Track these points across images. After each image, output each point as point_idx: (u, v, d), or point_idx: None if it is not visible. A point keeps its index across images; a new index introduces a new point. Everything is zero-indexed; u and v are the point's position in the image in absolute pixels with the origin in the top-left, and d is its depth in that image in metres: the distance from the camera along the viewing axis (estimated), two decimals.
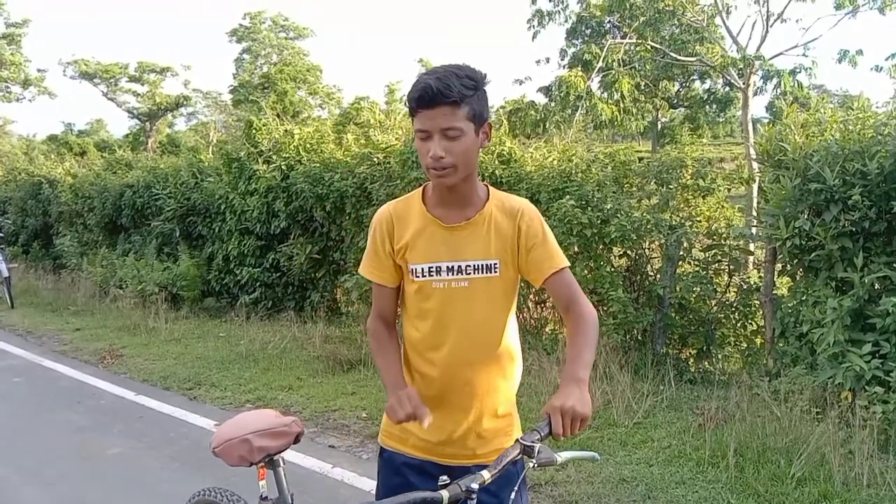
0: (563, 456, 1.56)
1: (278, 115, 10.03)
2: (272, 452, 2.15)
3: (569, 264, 1.86)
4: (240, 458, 2.15)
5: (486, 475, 1.49)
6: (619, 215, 5.76)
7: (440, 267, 1.83)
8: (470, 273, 1.82)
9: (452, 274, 1.82)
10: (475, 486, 1.46)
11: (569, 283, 1.83)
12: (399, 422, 1.71)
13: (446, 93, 1.67)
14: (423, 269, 1.83)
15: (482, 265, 1.83)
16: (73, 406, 6.01)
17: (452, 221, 1.83)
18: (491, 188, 1.90)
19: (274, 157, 8.88)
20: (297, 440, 2.22)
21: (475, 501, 1.47)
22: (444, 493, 1.44)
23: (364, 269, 1.92)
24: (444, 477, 1.49)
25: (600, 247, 6.00)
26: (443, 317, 1.84)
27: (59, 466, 4.64)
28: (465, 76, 1.70)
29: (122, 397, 6.23)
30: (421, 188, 1.90)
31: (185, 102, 39.41)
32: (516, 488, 1.62)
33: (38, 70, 35.51)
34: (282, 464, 2.20)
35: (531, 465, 1.51)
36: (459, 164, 1.73)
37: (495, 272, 1.83)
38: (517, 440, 1.53)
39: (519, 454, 1.52)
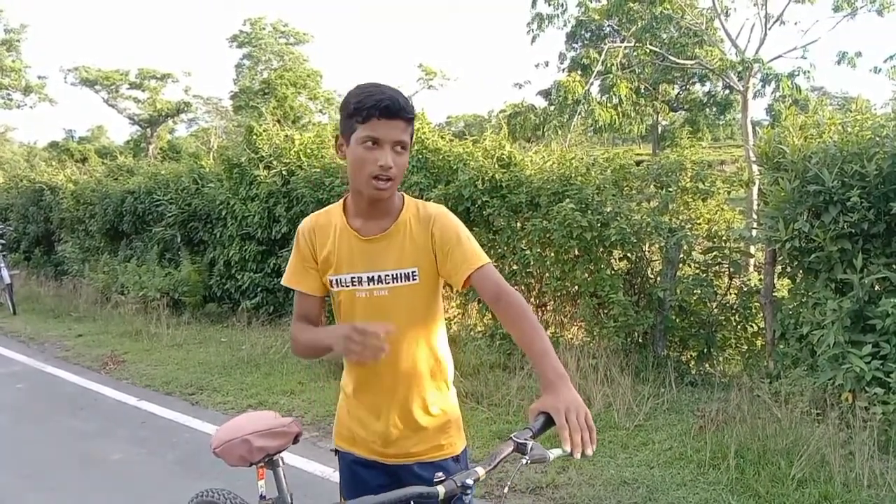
0: (554, 453, 1.54)
1: (279, 121, 10.06)
2: (272, 452, 2.18)
3: (489, 261, 1.84)
4: (240, 458, 2.17)
5: (480, 471, 1.50)
6: (618, 218, 5.78)
7: (361, 277, 1.88)
8: (389, 282, 1.87)
9: (373, 283, 1.87)
10: (470, 481, 1.47)
11: (492, 277, 1.82)
12: (362, 357, 1.65)
13: (408, 108, 1.76)
14: (345, 280, 1.89)
15: (400, 274, 1.87)
16: (76, 412, 6.02)
17: (370, 233, 1.87)
18: (406, 196, 1.93)
19: (275, 162, 8.90)
20: (296, 440, 2.24)
21: (469, 497, 1.50)
22: (440, 489, 1.46)
23: (288, 280, 1.96)
24: (440, 473, 1.51)
25: (600, 250, 6.02)
26: (366, 322, 1.81)
27: (62, 473, 4.65)
28: (406, 97, 1.80)
29: (125, 403, 6.24)
30: (342, 200, 1.93)
31: (185, 109, 39.54)
32: (509, 483, 1.64)
33: (39, 77, 35.65)
34: (281, 464, 2.22)
35: (524, 461, 1.50)
36: (398, 178, 1.80)
37: (415, 279, 1.87)
38: (510, 437, 1.52)
39: (512, 451, 1.52)
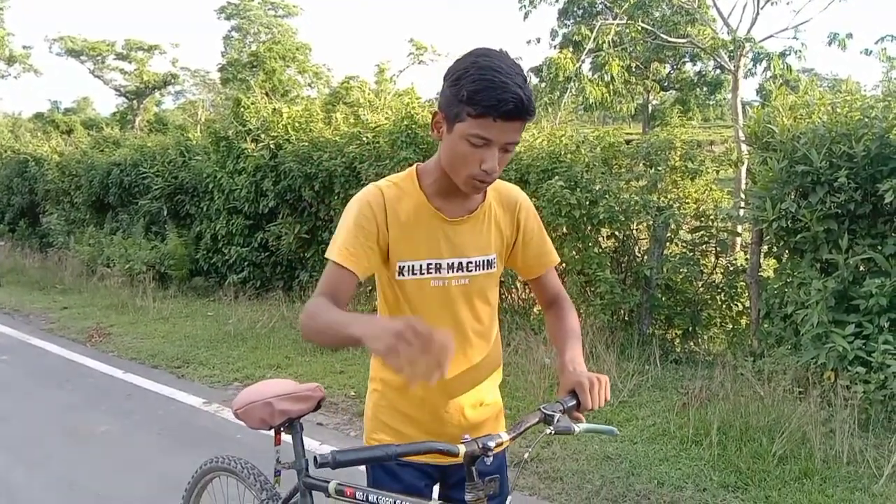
0: (580, 426, 1.61)
1: (267, 94, 9.97)
2: (293, 416, 2.16)
3: (557, 260, 1.87)
4: (260, 421, 2.16)
5: (505, 436, 1.52)
6: (607, 196, 5.78)
7: (440, 264, 1.67)
8: (472, 270, 1.70)
9: (453, 271, 1.68)
10: (492, 444, 1.48)
11: (556, 278, 1.86)
12: (410, 371, 1.23)
13: (531, 109, 1.50)
14: (419, 267, 1.66)
15: (483, 261, 1.71)
16: (61, 384, 6.00)
17: (455, 214, 1.67)
18: None
19: (262, 135, 8.84)
20: (318, 406, 2.22)
21: (491, 460, 1.49)
22: (461, 447, 1.47)
23: (339, 254, 1.58)
24: (467, 436, 1.51)
25: (588, 228, 6.03)
26: (436, 317, 1.66)
27: (47, 445, 4.64)
28: (526, 81, 1.52)
29: (110, 375, 6.23)
30: (412, 173, 1.69)
31: (173, 81, 39.07)
32: (531, 448, 1.70)
33: (24, 47, 35.06)
34: (300, 429, 2.20)
35: (549, 430, 1.55)
36: (498, 177, 1.61)
37: (493, 268, 1.74)
38: (538, 408, 1.57)
39: (538, 421, 1.57)
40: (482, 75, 1.47)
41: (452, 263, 1.68)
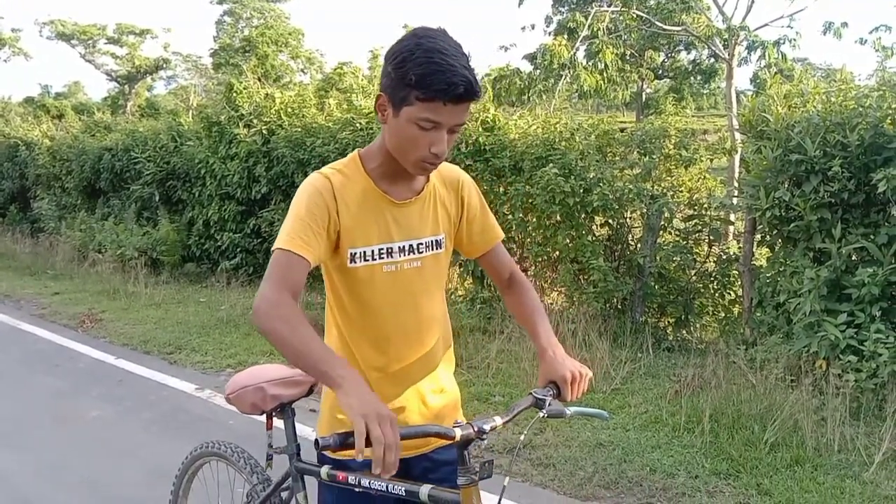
0: (572, 410, 1.66)
1: (259, 79, 9.90)
2: (285, 401, 2.16)
3: (502, 236, 1.87)
4: (252, 406, 2.15)
5: (498, 420, 1.54)
6: (601, 184, 5.77)
7: (392, 248, 1.65)
8: (422, 252, 1.68)
9: (405, 254, 1.66)
10: (487, 427, 1.50)
11: (506, 253, 1.86)
12: (374, 459, 1.29)
13: (479, 90, 1.49)
14: (371, 252, 1.63)
15: (433, 241, 1.70)
16: (52, 369, 5.97)
17: (402, 197, 1.65)
18: None
19: (255, 121, 8.79)
20: (310, 391, 2.21)
21: (486, 441, 1.52)
22: (458, 430, 1.48)
23: (290, 242, 1.53)
24: (461, 419, 1.54)
25: (582, 216, 6.02)
26: (389, 302, 1.67)
27: (38, 430, 4.63)
28: (469, 61, 1.51)
29: (102, 361, 6.20)
30: (355, 158, 1.66)
31: (164, 65, 38.79)
32: (525, 432, 1.69)
33: (13, 30, 34.72)
34: (292, 414, 2.20)
35: (541, 414, 1.58)
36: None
37: (442, 248, 1.73)
38: (530, 392, 1.60)
39: (530, 405, 1.59)
40: (429, 58, 1.45)
41: (403, 246, 1.66)
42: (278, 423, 2.15)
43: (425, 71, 1.44)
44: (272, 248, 1.58)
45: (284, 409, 2.17)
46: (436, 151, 1.51)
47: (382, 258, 1.64)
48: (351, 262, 1.63)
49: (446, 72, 1.44)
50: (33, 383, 5.64)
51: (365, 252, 1.63)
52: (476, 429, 1.49)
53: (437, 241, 1.71)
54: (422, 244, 1.69)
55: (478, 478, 1.50)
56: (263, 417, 2.21)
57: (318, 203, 1.58)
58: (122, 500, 3.60)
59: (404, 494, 1.58)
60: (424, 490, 1.54)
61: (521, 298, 1.84)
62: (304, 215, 1.56)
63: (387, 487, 1.60)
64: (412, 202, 1.67)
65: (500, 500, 1.59)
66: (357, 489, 1.64)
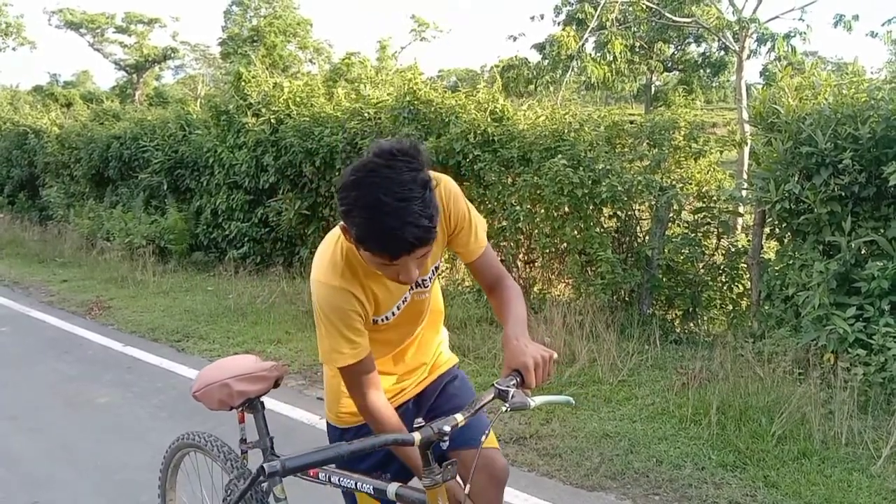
0: (536, 400, 1.58)
1: (268, 68, 9.89)
2: (252, 396, 2.17)
3: (487, 242, 1.89)
4: (219, 402, 2.16)
5: (459, 418, 1.50)
6: (610, 176, 5.75)
7: (406, 297, 1.81)
8: (427, 284, 1.84)
9: (413, 290, 1.81)
10: (447, 428, 1.47)
11: (494, 262, 1.88)
12: None
13: (430, 237, 1.45)
14: (391, 313, 1.81)
15: (433, 270, 1.85)
16: (61, 356, 6.01)
17: None
18: None
19: (263, 110, 8.79)
20: (276, 384, 2.23)
21: (447, 442, 1.49)
22: (416, 435, 1.45)
23: (343, 358, 1.66)
24: (420, 420, 1.50)
25: (590, 207, 6.00)
26: (409, 322, 1.90)
27: (48, 415, 4.66)
28: (429, 199, 1.43)
29: (110, 348, 6.24)
30: (344, 247, 1.67)
31: (172, 55, 38.79)
32: (487, 432, 1.65)
33: (15, 17, 34.73)
34: (261, 408, 2.21)
35: (504, 408, 1.52)
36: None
37: (438, 270, 1.91)
38: (493, 384, 1.55)
39: (493, 398, 1.53)
40: (369, 217, 1.41)
41: (412, 289, 1.81)
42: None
43: (367, 234, 1.43)
44: (336, 366, 1.69)
45: (253, 404, 2.19)
46: (404, 280, 1.55)
47: (399, 309, 1.81)
48: (374, 324, 1.78)
49: (387, 236, 1.41)
50: (43, 369, 5.67)
51: (387, 316, 1.81)
52: (436, 430, 1.46)
53: (436, 267, 1.86)
54: (426, 279, 1.83)
55: (441, 479, 1.51)
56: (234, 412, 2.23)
57: (351, 315, 1.66)
58: (131, 484, 3.62)
59: (372, 492, 1.62)
60: (392, 488, 1.57)
61: (499, 300, 1.84)
62: (344, 332, 1.65)
63: (356, 485, 1.65)
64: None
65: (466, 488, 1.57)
66: (326, 485, 1.76)
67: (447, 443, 1.49)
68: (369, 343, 1.72)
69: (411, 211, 1.39)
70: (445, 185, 1.73)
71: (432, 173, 1.56)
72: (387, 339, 1.88)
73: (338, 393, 1.91)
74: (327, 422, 2.04)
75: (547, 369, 1.58)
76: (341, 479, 1.69)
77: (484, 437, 1.61)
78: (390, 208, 1.38)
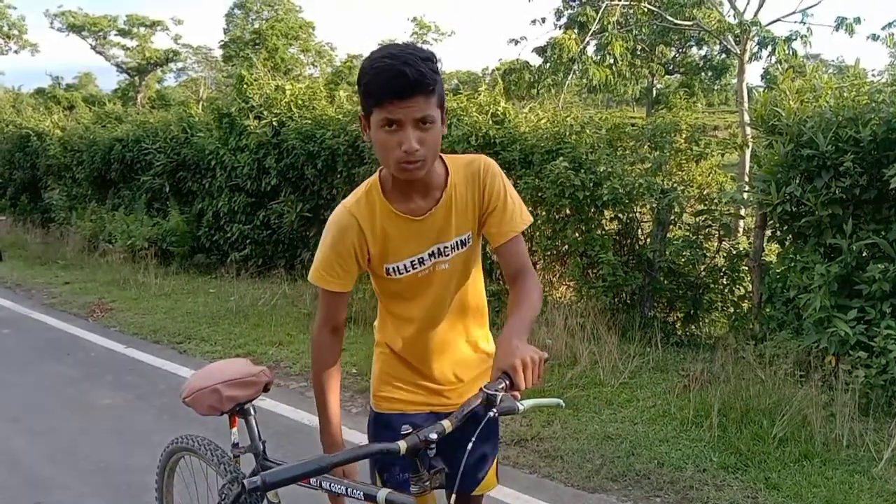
0: (525, 404, 1.54)
1: (270, 71, 9.91)
2: (242, 401, 2.18)
3: (527, 222, 1.82)
4: (209, 408, 2.17)
5: (446, 424, 1.48)
6: (611, 178, 5.76)
7: (423, 258, 1.77)
8: (449, 254, 1.79)
9: (435, 258, 1.78)
10: (434, 435, 1.45)
11: (521, 253, 1.80)
12: None
13: (423, 80, 1.53)
14: (403, 266, 1.77)
15: (458, 241, 1.79)
16: (63, 358, 6.02)
17: (421, 213, 1.75)
18: (445, 157, 1.78)
19: (265, 112, 8.80)
20: (266, 389, 2.25)
21: (434, 450, 1.47)
22: (402, 444, 1.44)
23: (321, 279, 1.76)
24: (407, 426, 1.48)
25: (592, 209, 6.01)
26: (427, 298, 1.83)
27: (50, 417, 4.67)
28: (427, 58, 1.56)
29: (112, 350, 6.25)
30: (375, 182, 1.76)
31: (175, 57, 38.89)
32: (473, 439, 1.50)
33: (18, 18, 34.82)
34: (253, 412, 2.22)
35: (492, 413, 1.48)
36: (430, 155, 1.62)
37: (469, 242, 1.81)
38: (480, 388, 1.50)
39: (481, 402, 1.50)
40: (373, 66, 1.55)
41: (433, 251, 1.78)
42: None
43: (370, 78, 1.55)
44: (311, 279, 1.79)
45: (244, 409, 2.20)
46: (405, 149, 1.57)
47: (415, 268, 1.78)
48: (387, 274, 1.79)
49: (389, 71, 1.52)
50: (45, 371, 5.69)
51: (398, 266, 1.78)
52: (422, 438, 1.45)
53: (461, 240, 1.80)
54: (447, 247, 1.78)
55: (429, 486, 1.50)
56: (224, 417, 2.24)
57: (345, 241, 1.74)
58: (133, 485, 3.63)
59: (362, 498, 1.63)
60: (382, 494, 1.58)
61: (514, 295, 1.78)
62: (329, 253, 1.75)
63: (346, 490, 1.67)
64: (433, 213, 1.75)
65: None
66: (318, 490, 1.77)
67: (434, 450, 1.47)
68: (390, 303, 1.85)
69: (409, 54, 1.53)
70: (485, 161, 1.80)
71: (476, 157, 1.80)
72: (405, 306, 1.84)
73: (377, 374, 1.96)
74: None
75: (537, 371, 1.52)
76: (332, 484, 1.71)
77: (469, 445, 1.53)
78: (393, 55, 1.54)
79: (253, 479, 1.30)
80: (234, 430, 2.24)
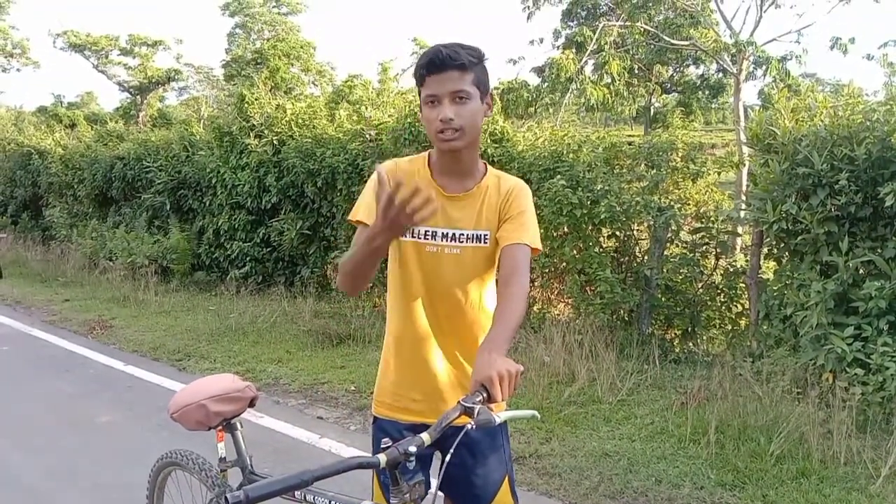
0: (501, 416, 1.57)
1: (271, 90, 9.99)
2: (228, 417, 2.21)
3: (536, 247, 1.85)
4: (197, 423, 2.20)
5: (425, 437, 1.49)
6: (608, 196, 5.80)
7: (436, 232, 1.88)
8: (462, 242, 1.88)
9: (446, 240, 1.88)
10: (413, 448, 1.46)
11: (520, 258, 1.82)
12: (389, 208, 1.54)
13: (455, 57, 1.74)
14: (418, 231, 1.87)
15: (474, 235, 1.89)
16: (62, 375, 6.03)
17: (453, 191, 1.89)
18: (490, 166, 1.95)
19: (265, 131, 8.87)
20: (252, 404, 2.28)
21: (414, 463, 1.48)
22: (382, 457, 1.45)
23: (356, 213, 1.87)
24: (387, 440, 1.50)
25: (589, 227, 6.04)
26: (430, 279, 1.91)
27: (48, 434, 4.67)
28: (470, 48, 1.79)
29: (112, 367, 6.26)
30: (426, 154, 1.94)
31: (176, 76, 39.05)
32: (452, 450, 1.50)
33: (21, 38, 35.03)
34: (239, 427, 2.25)
35: (469, 425, 1.50)
36: (467, 127, 1.78)
37: (486, 242, 1.89)
38: (458, 402, 1.53)
39: (459, 415, 1.52)
40: (424, 53, 1.81)
41: (446, 233, 1.88)
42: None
43: (418, 61, 1.81)
44: (350, 217, 1.91)
45: (230, 424, 2.23)
46: (441, 118, 1.76)
47: (427, 239, 1.88)
48: (403, 236, 1.85)
49: (430, 52, 1.78)
50: (44, 388, 5.69)
51: (412, 230, 1.85)
52: (401, 451, 1.46)
53: (478, 235, 1.89)
54: (463, 235, 1.88)
55: (409, 499, 1.52)
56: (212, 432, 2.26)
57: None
58: (130, 502, 3.63)
59: None
60: None
61: (500, 300, 1.80)
62: (367, 190, 1.88)
63: (329, 502, 1.69)
64: (462, 197, 1.89)
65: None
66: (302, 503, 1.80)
67: (413, 462, 1.48)
68: (398, 276, 1.93)
69: (452, 42, 1.78)
70: (521, 184, 1.95)
71: (516, 179, 1.96)
72: (409, 280, 1.91)
73: (379, 380, 2.02)
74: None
75: (513, 384, 1.55)
76: (316, 497, 1.74)
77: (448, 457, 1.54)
78: (441, 44, 1.79)
79: (236, 494, 1.29)
80: (221, 444, 2.27)
